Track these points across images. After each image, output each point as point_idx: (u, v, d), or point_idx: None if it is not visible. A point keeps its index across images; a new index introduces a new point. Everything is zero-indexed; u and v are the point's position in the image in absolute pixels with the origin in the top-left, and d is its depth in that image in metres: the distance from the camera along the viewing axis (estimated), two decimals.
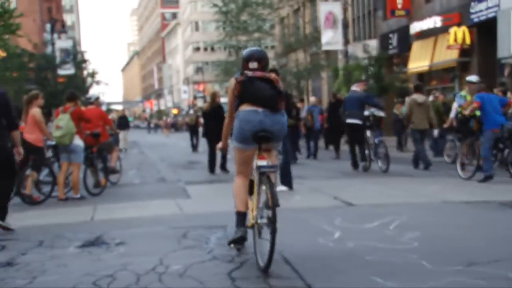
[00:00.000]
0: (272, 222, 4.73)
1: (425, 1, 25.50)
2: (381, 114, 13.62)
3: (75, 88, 25.25)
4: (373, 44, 28.78)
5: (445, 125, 13.72)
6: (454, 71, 23.61)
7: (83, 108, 11.65)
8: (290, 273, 4.79)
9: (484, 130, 10.75)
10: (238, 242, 5.13)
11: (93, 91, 34.01)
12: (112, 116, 27.86)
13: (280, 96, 5.23)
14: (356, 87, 13.92)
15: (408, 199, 8.64)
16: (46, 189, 10.39)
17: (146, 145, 34.42)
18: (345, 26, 30.79)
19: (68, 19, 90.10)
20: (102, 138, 11.55)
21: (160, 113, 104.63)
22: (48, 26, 39.11)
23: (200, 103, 65.54)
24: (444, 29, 23.01)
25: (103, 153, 11.63)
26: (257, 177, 5.11)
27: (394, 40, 27.80)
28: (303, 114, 18.92)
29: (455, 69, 23.44)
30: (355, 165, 13.61)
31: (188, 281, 4.64)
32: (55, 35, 35.80)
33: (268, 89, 5.19)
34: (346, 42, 30.79)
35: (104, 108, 30.48)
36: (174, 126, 71.06)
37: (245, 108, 5.23)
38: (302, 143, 19.94)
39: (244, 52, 5.53)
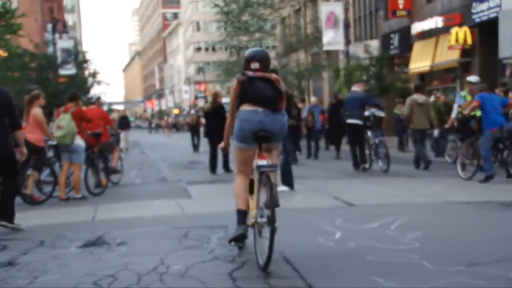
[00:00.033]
0: (271, 222, 4.76)
1: (427, 1, 25.49)
2: (382, 114, 13.66)
3: (77, 88, 25.21)
4: (374, 44, 28.76)
5: (446, 125, 13.73)
6: (455, 72, 23.59)
7: (84, 108, 11.66)
8: (290, 273, 4.79)
9: (483, 130, 10.76)
10: (239, 240, 5.13)
11: (95, 91, 33.98)
12: (113, 116, 27.86)
13: (280, 96, 5.26)
14: (356, 88, 13.96)
15: (409, 199, 8.64)
16: (47, 189, 10.39)
17: (147, 145, 34.44)
18: (347, 26, 30.76)
19: (69, 19, 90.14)
20: (103, 138, 11.56)
21: (161, 113, 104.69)
22: (49, 26, 39.14)
23: (201, 103, 65.57)
24: (445, 30, 22.99)
25: (104, 153, 11.64)
26: (257, 177, 5.14)
27: (395, 40, 27.78)
28: (304, 114, 18.92)
29: (456, 69, 23.43)
30: (356, 165, 13.62)
31: (189, 281, 4.64)
32: (57, 35, 35.84)
33: (269, 89, 5.23)
34: (348, 42, 30.76)
35: (105, 108, 30.46)
36: (175, 126, 71.08)
37: (245, 108, 5.27)
38: (303, 143, 19.95)
39: (246, 52, 5.57)
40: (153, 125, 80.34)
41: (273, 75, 5.35)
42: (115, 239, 6.31)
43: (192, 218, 7.62)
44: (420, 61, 25.30)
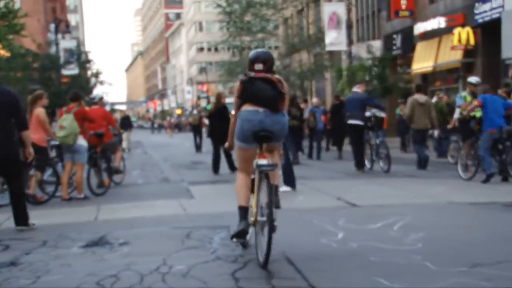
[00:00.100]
0: (269, 220, 4.85)
1: (429, 1, 25.47)
2: (382, 115, 13.72)
3: (79, 88, 25.31)
4: (377, 45, 28.74)
5: (449, 126, 13.74)
6: (458, 72, 23.57)
7: (86, 108, 11.67)
8: (293, 273, 4.79)
9: (483, 130, 10.78)
10: (240, 235, 5.19)
11: (97, 91, 34.02)
12: (116, 116, 27.90)
13: (281, 97, 5.34)
14: (357, 89, 14.03)
15: (412, 200, 8.63)
16: (49, 189, 10.40)
17: (149, 145, 34.47)
18: (349, 26, 30.76)
19: (72, 19, 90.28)
20: (106, 138, 11.56)
21: (163, 113, 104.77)
22: (52, 26, 39.19)
23: (203, 103, 65.56)
24: (448, 30, 22.98)
25: (107, 153, 11.64)
26: (257, 176, 5.21)
27: (398, 40, 27.76)
28: (305, 115, 18.92)
29: (459, 70, 23.40)
30: (358, 165, 13.62)
31: (192, 281, 4.64)
32: (59, 35, 35.87)
33: (269, 90, 5.31)
34: (350, 42, 30.75)
35: (108, 108, 30.50)
36: (178, 126, 71.13)
37: (246, 108, 5.38)
38: (305, 143, 19.94)
39: (250, 53, 5.66)
40: (155, 125, 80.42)
41: (275, 76, 5.42)
42: (117, 239, 6.31)
43: (195, 218, 7.62)
44: (423, 61, 25.28)
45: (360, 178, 12.26)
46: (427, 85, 25.36)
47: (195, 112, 36.35)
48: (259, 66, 5.41)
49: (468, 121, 11.75)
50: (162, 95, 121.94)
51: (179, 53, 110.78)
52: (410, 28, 26.35)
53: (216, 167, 14.18)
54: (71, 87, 26.61)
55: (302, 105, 19.59)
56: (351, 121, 13.44)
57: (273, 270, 4.83)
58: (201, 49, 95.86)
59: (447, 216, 7.31)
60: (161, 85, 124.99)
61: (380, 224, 6.65)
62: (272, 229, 4.84)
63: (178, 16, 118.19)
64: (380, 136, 13.86)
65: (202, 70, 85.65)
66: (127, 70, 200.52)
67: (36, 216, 7.61)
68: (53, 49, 36.30)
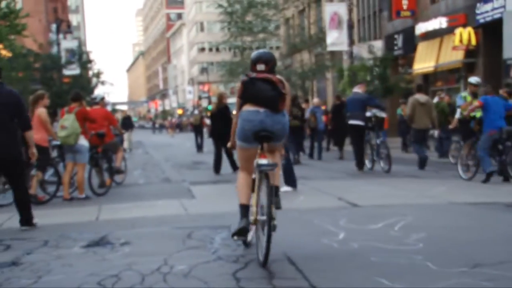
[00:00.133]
0: (268, 219, 4.93)
1: (431, 2, 25.46)
2: (383, 115, 13.75)
3: (81, 88, 25.33)
4: (378, 45, 28.74)
5: (451, 126, 13.74)
6: (459, 72, 23.56)
7: (88, 108, 11.68)
8: (294, 273, 4.79)
9: (483, 131, 10.78)
10: (240, 233, 5.23)
11: (98, 91, 34.02)
12: (117, 116, 27.90)
13: (281, 97, 5.37)
14: (357, 89, 14.06)
15: (413, 200, 8.63)
16: (51, 189, 10.41)
17: (151, 145, 34.48)
18: (350, 26, 30.76)
19: (73, 19, 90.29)
20: (107, 138, 11.57)
21: (165, 113, 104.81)
22: (53, 26, 39.23)
23: (204, 103, 65.57)
24: (449, 30, 22.97)
25: (108, 153, 11.65)
26: (257, 176, 5.24)
27: (399, 41, 27.76)
28: (306, 115, 18.93)
29: (460, 70, 23.39)
30: (359, 165, 13.63)
31: (193, 281, 4.64)
32: (61, 35, 35.92)
33: (269, 90, 5.34)
34: (351, 42, 30.76)
35: (109, 108, 30.52)
36: (179, 126, 71.16)
37: (247, 108, 5.42)
38: (306, 143, 19.93)
39: (253, 54, 5.69)
40: (156, 125, 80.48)
41: (276, 76, 5.44)
42: (118, 239, 6.31)
43: (196, 218, 7.63)
44: (424, 61, 25.27)
45: (361, 178, 12.26)
46: (429, 85, 25.35)
47: (196, 112, 36.38)
48: (261, 67, 5.44)
49: (468, 121, 11.75)
50: (163, 95, 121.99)
51: (180, 53, 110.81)
52: (412, 28, 26.35)
53: (217, 167, 14.18)
54: (73, 87, 26.60)
55: (304, 105, 19.59)
56: (351, 122, 13.48)
57: (274, 270, 4.83)
58: (202, 49, 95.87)
59: (448, 216, 7.31)
60: (162, 85, 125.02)
61: (381, 224, 6.65)
62: (271, 228, 4.91)
63: (179, 16, 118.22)
64: (381, 136, 13.87)
65: (203, 70, 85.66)
66: (128, 70, 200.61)
67: (37, 216, 7.61)
68: (54, 49, 36.35)
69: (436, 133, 16.02)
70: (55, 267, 5.26)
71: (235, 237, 5.28)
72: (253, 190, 5.32)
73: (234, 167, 13.81)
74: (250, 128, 5.31)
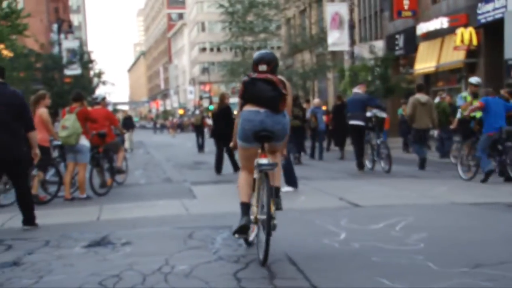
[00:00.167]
0: (267, 218, 4.97)
1: (432, 2, 25.44)
2: (383, 115, 13.75)
3: (82, 88, 25.36)
4: (379, 45, 28.74)
5: (452, 126, 13.73)
6: (460, 72, 23.55)
7: (89, 108, 11.68)
8: (295, 273, 4.79)
9: (483, 131, 10.78)
10: (241, 231, 5.26)
11: (100, 91, 34.10)
12: (118, 116, 27.91)
13: (282, 97, 5.39)
14: (358, 89, 14.08)
15: (414, 200, 8.63)
16: (52, 189, 10.41)
17: (152, 145, 34.48)
18: (352, 27, 30.75)
19: (75, 19, 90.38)
20: (108, 138, 11.57)
21: (166, 114, 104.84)
22: (55, 26, 39.27)
23: (206, 103, 65.61)
24: (450, 30, 22.95)
25: (109, 153, 11.65)
26: (257, 175, 5.29)
27: (400, 41, 27.74)
28: (307, 115, 18.92)
29: (461, 70, 23.38)
30: (359, 165, 13.63)
31: (194, 281, 4.64)
32: (62, 35, 35.93)
33: (270, 91, 5.37)
34: (352, 43, 30.76)
35: (110, 108, 30.55)
36: (180, 127, 71.18)
37: (248, 108, 5.45)
38: (307, 143, 19.93)
39: (255, 55, 5.72)
40: (157, 125, 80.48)
41: (276, 77, 5.46)
42: (120, 239, 6.32)
43: (197, 219, 7.63)
44: (425, 61, 25.26)
45: (362, 178, 12.26)
46: (430, 85, 25.33)
47: (197, 112, 36.40)
48: (263, 67, 5.46)
49: (468, 121, 11.75)
50: (165, 95, 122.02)
51: (182, 53, 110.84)
52: (413, 28, 26.33)
53: (218, 167, 14.19)
54: (74, 87, 26.62)
55: (305, 105, 19.59)
56: (352, 122, 13.50)
57: (275, 270, 4.84)
58: (204, 49, 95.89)
59: (449, 216, 7.31)
60: (164, 85, 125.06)
61: (382, 225, 6.65)
62: (270, 227, 4.96)
63: (180, 16, 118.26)
64: (382, 136, 13.87)
65: (204, 70, 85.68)
66: (129, 70, 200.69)
67: (38, 216, 7.61)
68: (55, 49, 36.36)
69: (436, 133, 16.01)
70: (56, 267, 5.27)
71: (236, 235, 5.32)
72: (254, 190, 5.36)
73: (235, 167, 13.80)
74: (250, 128, 5.34)
